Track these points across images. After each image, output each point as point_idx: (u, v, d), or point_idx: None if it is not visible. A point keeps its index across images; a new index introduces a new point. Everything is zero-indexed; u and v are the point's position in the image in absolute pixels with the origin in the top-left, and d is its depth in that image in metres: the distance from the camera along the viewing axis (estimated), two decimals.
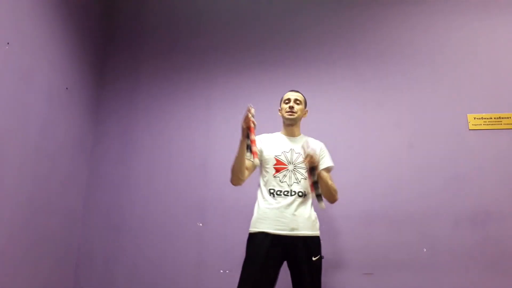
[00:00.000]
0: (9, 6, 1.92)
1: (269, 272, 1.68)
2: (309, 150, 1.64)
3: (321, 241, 2.27)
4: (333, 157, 2.45)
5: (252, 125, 1.65)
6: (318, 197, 1.66)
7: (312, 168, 1.66)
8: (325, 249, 2.27)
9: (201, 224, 2.45)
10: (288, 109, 1.89)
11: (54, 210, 2.27)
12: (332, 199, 1.84)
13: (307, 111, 2.00)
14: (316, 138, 2.47)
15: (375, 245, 2.26)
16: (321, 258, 1.75)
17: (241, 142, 1.70)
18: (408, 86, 2.54)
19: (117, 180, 2.61)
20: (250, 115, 1.64)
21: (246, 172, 1.83)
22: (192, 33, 2.89)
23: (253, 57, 2.77)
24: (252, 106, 1.69)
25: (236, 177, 1.80)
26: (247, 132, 1.67)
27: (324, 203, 1.67)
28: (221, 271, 2.31)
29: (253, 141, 1.67)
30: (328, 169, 1.89)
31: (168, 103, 2.74)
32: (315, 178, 1.67)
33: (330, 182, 1.81)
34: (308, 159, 1.64)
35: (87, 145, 2.67)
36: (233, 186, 1.86)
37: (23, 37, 2.02)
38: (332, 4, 2.80)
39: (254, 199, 2.34)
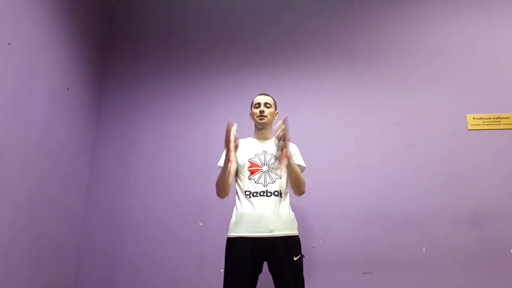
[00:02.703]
0: (10, 6, 1.93)
1: (251, 278, 1.69)
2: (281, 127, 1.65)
3: (321, 241, 2.31)
4: (332, 157, 2.48)
5: (231, 145, 1.67)
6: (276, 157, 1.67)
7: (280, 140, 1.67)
8: (325, 248, 2.30)
9: (201, 224, 2.46)
10: (258, 114, 1.92)
11: (55, 210, 2.28)
12: (299, 190, 1.83)
13: (277, 113, 2.03)
14: (315, 138, 2.49)
15: (374, 245, 2.27)
16: (302, 257, 1.75)
17: (225, 159, 1.74)
18: (407, 86, 2.55)
19: (118, 180, 2.62)
20: (231, 134, 1.67)
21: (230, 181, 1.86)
22: (192, 34, 2.90)
23: (252, 56, 2.78)
24: (232, 121, 1.69)
25: (220, 192, 1.84)
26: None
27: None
28: (222, 270, 2.32)
29: (228, 161, 1.69)
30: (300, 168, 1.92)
31: (169, 103, 2.75)
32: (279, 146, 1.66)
33: (299, 175, 1.81)
34: (280, 130, 1.64)
35: (88, 145, 2.67)
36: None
37: (24, 38, 2.03)
38: (331, 4, 2.81)
39: None
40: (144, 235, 2.49)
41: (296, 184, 1.80)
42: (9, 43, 1.91)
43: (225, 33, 2.86)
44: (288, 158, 1.68)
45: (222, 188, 1.81)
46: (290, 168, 1.74)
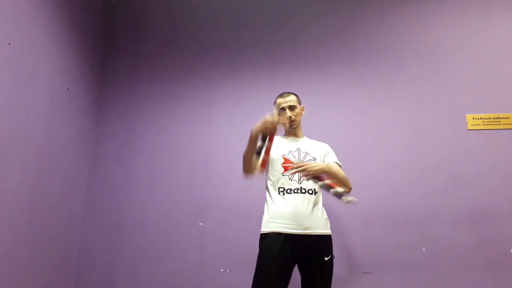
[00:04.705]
0: (11, 6, 1.94)
1: (284, 275, 1.64)
2: (301, 164, 1.70)
3: None
4: None
5: (276, 131, 1.63)
6: (337, 195, 1.64)
7: (315, 178, 1.69)
8: None
9: (201, 224, 2.46)
10: (288, 121, 1.89)
11: (55, 210, 2.29)
12: (346, 188, 1.79)
13: (303, 108, 1.99)
14: (315, 139, 2.49)
15: (374, 245, 2.27)
16: (332, 257, 1.71)
17: (254, 138, 1.64)
18: (407, 87, 2.55)
19: (118, 180, 2.62)
20: (280, 120, 1.68)
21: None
22: (192, 33, 2.90)
23: (253, 57, 2.78)
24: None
25: (248, 167, 1.75)
26: (267, 135, 1.63)
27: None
28: (221, 270, 2.33)
29: (268, 149, 1.66)
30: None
31: (169, 103, 2.76)
32: (322, 184, 1.68)
33: (340, 175, 1.80)
34: (306, 172, 1.67)
35: (88, 144, 2.68)
36: (244, 178, 1.84)
37: (24, 38, 2.04)
38: (331, 4, 2.81)
39: (254, 198, 2.35)
40: (144, 235, 2.49)
41: (341, 184, 1.76)
42: (9, 43, 1.91)
43: (226, 34, 2.86)
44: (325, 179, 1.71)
45: (249, 165, 1.73)
46: (331, 175, 1.75)
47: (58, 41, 2.35)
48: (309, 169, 1.67)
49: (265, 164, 1.67)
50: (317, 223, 1.71)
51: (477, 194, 2.28)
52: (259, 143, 1.64)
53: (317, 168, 1.70)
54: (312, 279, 1.64)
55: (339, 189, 1.65)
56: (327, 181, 1.69)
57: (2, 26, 1.88)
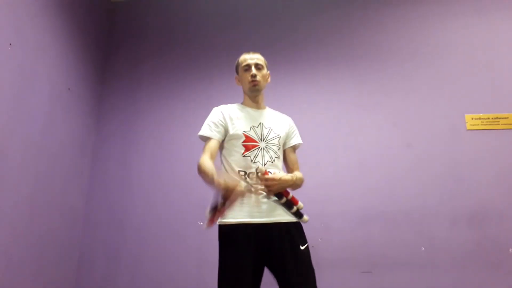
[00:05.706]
0: (11, 7, 1.94)
1: (259, 274, 1.42)
2: (266, 177, 1.39)
3: (320, 240, 2.32)
4: (332, 155, 2.48)
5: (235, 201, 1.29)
6: (296, 214, 1.48)
7: (278, 193, 1.44)
8: (324, 247, 2.31)
9: (202, 223, 2.47)
10: (250, 79, 1.59)
11: (56, 209, 2.30)
12: (297, 188, 1.58)
13: (269, 74, 1.74)
14: (315, 138, 2.50)
15: (373, 244, 2.28)
16: (308, 246, 1.48)
17: (212, 186, 1.35)
18: (406, 87, 2.56)
19: (119, 179, 2.63)
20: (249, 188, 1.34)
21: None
22: (192, 33, 2.91)
23: None
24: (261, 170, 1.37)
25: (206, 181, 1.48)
26: (226, 198, 1.27)
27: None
28: None
29: (222, 211, 1.29)
30: (294, 147, 1.68)
31: (169, 103, 2.76)
32: (285, 200, 1.45)
33: (298, 180, 1.53)
34: (268, 188, 1.40)
35: (89, 144, 2.69)
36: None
37: (25, 38, 2.04)
38: (330, 5, 2.82)
39: None
40: (144, 234, 2.50)
41: (297, 187, 1.58)
42: (10, 44, 1.92)
43: (226, 34, 2.87)
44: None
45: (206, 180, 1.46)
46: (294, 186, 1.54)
47: (59, 42, 2.35)
48: (272, 188, 1.40)
49: (214, 222, 1.32)
50: (284, 210, 1.49)
51: (476, 194, 2.29)
52: (219, 200, 1.30)
53: (281, 185, 1.41)
54: (290, 273, 1.38)
55: (301, 206, 1.47)
56: (290, 196, 1.47)
57: (3, 27, 1.88)
